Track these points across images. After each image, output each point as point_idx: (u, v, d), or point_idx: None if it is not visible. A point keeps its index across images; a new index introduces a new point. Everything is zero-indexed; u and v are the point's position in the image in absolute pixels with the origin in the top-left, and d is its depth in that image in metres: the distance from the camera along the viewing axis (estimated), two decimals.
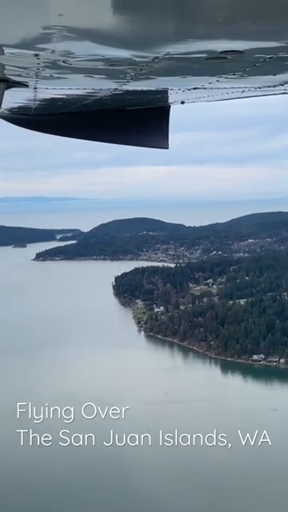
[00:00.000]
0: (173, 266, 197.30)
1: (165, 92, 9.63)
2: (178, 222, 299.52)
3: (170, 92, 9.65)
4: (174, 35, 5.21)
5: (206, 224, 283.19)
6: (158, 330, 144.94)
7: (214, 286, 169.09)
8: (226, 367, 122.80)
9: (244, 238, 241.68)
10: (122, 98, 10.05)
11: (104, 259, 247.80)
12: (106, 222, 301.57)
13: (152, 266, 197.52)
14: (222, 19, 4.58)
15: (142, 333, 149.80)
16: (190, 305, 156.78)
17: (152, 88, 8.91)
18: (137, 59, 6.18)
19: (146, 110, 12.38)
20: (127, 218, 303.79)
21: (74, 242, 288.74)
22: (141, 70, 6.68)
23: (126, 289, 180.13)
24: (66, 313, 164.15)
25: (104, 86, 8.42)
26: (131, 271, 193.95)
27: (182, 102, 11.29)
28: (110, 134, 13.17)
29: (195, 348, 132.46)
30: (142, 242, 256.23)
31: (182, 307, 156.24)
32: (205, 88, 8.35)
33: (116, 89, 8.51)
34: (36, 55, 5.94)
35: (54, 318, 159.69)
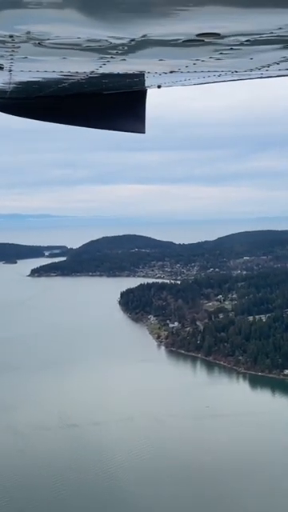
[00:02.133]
0: (179, 282, 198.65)
1: (141, 75, 9.46)
2: (167, 240, 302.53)
3: (146, 75, 9.49)
4: (152, 17, 5.22)
5: (195, 242, 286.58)
6: (179, 345, 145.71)
7: (226, 302, 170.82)
8: (258, 382, 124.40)
9: (239, 255, 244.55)
10: (99, 81, 9.93)
11: (100, 275, 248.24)
12: (95, 238, 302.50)
13: (158, 283, 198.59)
14: (199, 1, 4.60)
15: (163, 348, 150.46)
16: (206, 320, 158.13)
17: (128, 71, 8.77)
18: (113, 41, 6.09)
19: (122, 94, 12.23)
20: (115, 235, 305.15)
21: (64, 258, 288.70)
22: (117, 52, 6.55)
23: (136, 305, 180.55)
24: (78, 329, 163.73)
25: (80, 69, 8.31)
26: (137, 287, 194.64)
27: (159, 86, 11.13)
28: (86, 118, 13.16)
29: (222, 363, 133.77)
30: (137, 258, 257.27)
31: (198, 323, 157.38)
32: (181, 72, 8.24)
33: (92, 72, 8.38)
34: (11, 36, 5.89)
35: (68, 334, 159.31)
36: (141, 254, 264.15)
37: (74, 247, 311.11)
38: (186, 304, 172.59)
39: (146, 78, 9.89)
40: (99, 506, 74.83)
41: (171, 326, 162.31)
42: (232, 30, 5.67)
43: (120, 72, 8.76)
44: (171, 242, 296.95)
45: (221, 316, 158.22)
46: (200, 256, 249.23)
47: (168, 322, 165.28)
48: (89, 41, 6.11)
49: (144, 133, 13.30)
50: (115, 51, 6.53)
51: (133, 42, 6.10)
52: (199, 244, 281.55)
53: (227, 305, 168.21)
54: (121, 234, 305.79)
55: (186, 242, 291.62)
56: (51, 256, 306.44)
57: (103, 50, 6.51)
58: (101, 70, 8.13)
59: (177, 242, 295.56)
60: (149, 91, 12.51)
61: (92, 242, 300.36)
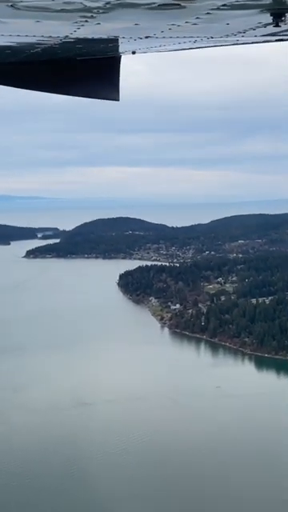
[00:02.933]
0: (178, 265, 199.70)
1: (116, 41, 9.32)
2: (160, 222, 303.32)
3: (120, 41, 9.34)
4: None
5: (188, 225, 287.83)
6: (184, 327, 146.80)
7: (227, 285, 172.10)
8: (264, 363, 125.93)
9: (234, 238, 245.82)
10: (72, 46, 9.73)
11: (96, 257, 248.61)
12: (88, 220, 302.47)
13: (156, 265, 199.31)
14: None
15: (166, 329, 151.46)
16: (208, 302, 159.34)
17: (103, 36, 8.65)
18: (88, 4, 6.01)
19: (96, 60, 12.05)
20: (108, 217, 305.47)
21: (57, 240, 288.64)
22: (92, 15, 6.46)
23: (136, 287, 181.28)
24: (80, 310, 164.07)
25: (54, 33, 8.11)
26: (136, 269, 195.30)
27: (133, 52, 10.96)
28: (59, 84, 12.87)
29: (227, 344, 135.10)
30: (132, 241, 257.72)
31: (200, 305, 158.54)
32: (157, 37, 8.16)
33: (66, 36, 8.20)
34: None
35: (70, 315, 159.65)
36: (135, 237, 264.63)
37: (67, 229, 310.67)
38: (186, 286, 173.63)
39: (120, 44, 9.76)
40: (121, 481, 75.67)
41: (173, 307, 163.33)
42: None
43: (94, 37, 8.62)
44: (164, 225, 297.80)
45: (223, 298, 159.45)
46: (195, 239, 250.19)
47: (169, 303, 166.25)
48: (63, 3, 6.01)
49: (118, 100, 13.13)
50: (90, 14, 6.42)
51: (108, 5, 5.99)
52: (192, 227, 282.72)
53: (228, 287, 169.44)
54: (112, 216, 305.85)
55: (178, 225, 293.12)
56: (44, 238, 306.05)
57: (77, 13, 6.40)
58: (75, 35, 7.96)
59: (170, 225, 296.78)
60: (123, 57, 12.35)
61: (85, 224, 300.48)
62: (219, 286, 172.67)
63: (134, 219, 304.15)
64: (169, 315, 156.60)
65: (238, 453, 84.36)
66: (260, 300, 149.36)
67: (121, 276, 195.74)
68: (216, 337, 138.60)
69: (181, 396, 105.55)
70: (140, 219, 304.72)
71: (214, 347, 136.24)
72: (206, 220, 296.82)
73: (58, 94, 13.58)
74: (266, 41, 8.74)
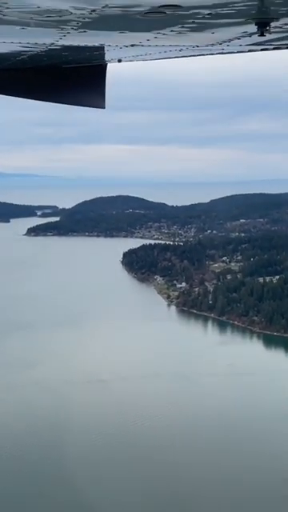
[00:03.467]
0: (181, 243, 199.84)
1: (101, 49, 9.36)
2: (160, 201, 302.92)
3: (106, 49, 9.37)
4: None
5: (188, 204, 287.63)
6: (191, 305, 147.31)
7: (232, 264, 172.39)
8: (273, 341, 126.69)
9: (235, 218, 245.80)
10: (58, 54, 9.74)
11: (97, 236, 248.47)
12: (87, 199, 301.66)
13: (160, 244, 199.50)
14: None
15: (173, 307, 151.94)
16: (215, 281, 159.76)
17: (88, 44, 8.69)
18: (74, 11, 5.97)
19: (82, 68, 12.12)
20: (109, 195, 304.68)
21: (57, 218, 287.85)
22: (78, 23, 6.44)
23: (141, 265, 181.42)
24: (85, 287, 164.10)
25: (40, 41, 8.10)
26: (139, 248, 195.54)
27: (119, 60, 10.99)
28: (45, 92, 12.94)
29: (236, 323, 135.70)
30: (133, 219, 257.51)
31: (206, 284, 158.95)
32: (142, 45, 8.17)
33: (52, 43, 8.19)
34: None
35: (76, 292, 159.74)
36: (137, 215, 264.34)
37: (66, 207, 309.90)
38: (191, 265, 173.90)
39: (106, 52, 9.78)
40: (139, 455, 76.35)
41: (179, 286, 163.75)
42: (194, 2, 5.65)
43: (80, 44, 8.60)
44: (164, 204, 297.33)
45: (229, 277, 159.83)
46: (196, 218, 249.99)
47: (175, 282, 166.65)
48: (49, 10, 5.95)
49: (104, 108, 13.16)
50: (76, 22, 6.39)
51: (94, 13, 5.97)
52: (192, 206, 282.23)
53: (233, 266, 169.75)
54: (112, 194, 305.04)
55: (179, 204, 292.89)
56: (44, 216, 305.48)
57: (63, 20, 6.36)
58: (61, 42, 7.91)
59: (170, 204, 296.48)
60: (109, 66, 12.40)
61: (85, 202, 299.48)
62: (224, 264, 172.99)
63: (134, 198, 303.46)
64: (175, 294, 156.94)
65: (251, 428, 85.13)
66: (267, 279, 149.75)
67: (124, 254, 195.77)
68: (224, 315, 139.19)
69: (194, 374, 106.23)
70: (140, 198, 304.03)
71: (223, 325, 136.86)
72: (206, 199, 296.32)
73: (43, 101, 13.61)
74: (251, 50, 8.73)
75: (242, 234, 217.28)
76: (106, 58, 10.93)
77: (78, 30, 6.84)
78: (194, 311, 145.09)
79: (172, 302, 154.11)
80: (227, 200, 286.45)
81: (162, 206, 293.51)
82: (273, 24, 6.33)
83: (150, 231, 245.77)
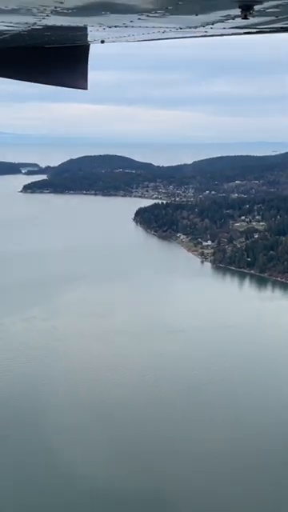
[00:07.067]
0: (196, 202, 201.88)
1: (84, 29, 9.29)
2: (146, 161, 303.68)
3: (89, 29, 9.30)
4: None
5: (174, 164, 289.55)
6: (228, 262, 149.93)
7: (254, 223, 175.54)
8: None
9: (230, 179, 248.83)
10: (41, 34, 9.61)
11: (95, 194, 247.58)
12: (74, 157, 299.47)
13: (172, 203, 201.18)
14: None
15: (207, 264, 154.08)
16: (242, 239, 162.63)
17: (71, 24, 8.56)
18: None
19: (64, 49, 12.04)
20: (95, 154, 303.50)
21: (44, 176, 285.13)
22: (61, 2, 6.34)
23: (161, 223, 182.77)
24: (111, 245, 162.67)
25: (22, 20, 7.95)
26: (151, 206, 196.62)
27: (102, 41, 10.92)
28: (27, 72, 12.80)
29: (279, 279, 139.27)
30: (128, 178, 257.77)
31: (235, 242, 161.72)
32: (126, 26, 8.07)
33: (34, 23, 8.07)
34: None
35: (103, 250, 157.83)
36: (132, 175, 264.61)
37: (51, 165, 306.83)
38: (213, 224, 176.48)
39: (88, 32, 9.67)
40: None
41: (205, 244, 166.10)
42: None
43: (63, 24, 8.45)
44: (151, 164, 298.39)
45: (256, 236, 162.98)
46: (191, 178, 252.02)
47: (200, 240, 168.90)
48: None
49: (86, 89, 13.18)
50: (58, 1, 6.30)
51: None
52: (178, 167, 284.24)
53: (256, 225, 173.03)
54: (98, 153, 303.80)
55: (164, 165, 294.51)
56: (29, 173, 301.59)
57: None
58: (43, 22, 7.81)
59: (156, 164, 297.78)
60: (92, 46, 12.37)
61: (71, 160, 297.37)
62: (246, 224, 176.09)
63: (121, 157, 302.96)
64: (210, 251, 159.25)
65: None
66: None
67: (137, 212, 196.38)
68: (265, 272, 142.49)
69: (265, 325, 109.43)
70: (126, 157, 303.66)
71: (266, 282, 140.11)
72: (188, 160, 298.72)
73: (24, 81, 13.48)
74: (235, 33, 8.70)
75: (243, 195, 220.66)
76: (89, 38, 10.82)
77: (60, 10, 6.71)
78: (233, 268, 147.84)
79: (206, 258, 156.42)
80: (213, 161, 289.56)
81: (149, 166, 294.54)
82: (256, 7, 6.25)
83: (147, 190, 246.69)
